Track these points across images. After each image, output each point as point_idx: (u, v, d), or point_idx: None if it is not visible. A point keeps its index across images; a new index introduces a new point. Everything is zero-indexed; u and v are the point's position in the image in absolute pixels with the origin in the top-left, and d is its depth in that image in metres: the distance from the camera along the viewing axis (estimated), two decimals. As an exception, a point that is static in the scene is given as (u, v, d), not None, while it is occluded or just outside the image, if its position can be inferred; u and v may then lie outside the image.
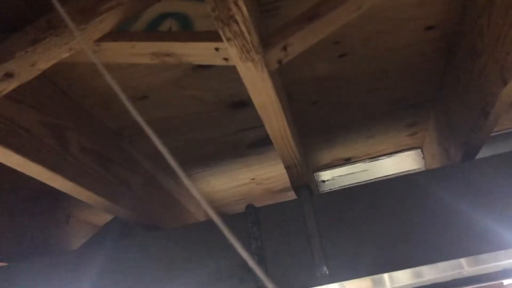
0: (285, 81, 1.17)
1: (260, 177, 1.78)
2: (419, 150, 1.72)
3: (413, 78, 1.31)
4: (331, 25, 0.83)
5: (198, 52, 0.82)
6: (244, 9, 0.66)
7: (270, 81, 0.83)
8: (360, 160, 1.75)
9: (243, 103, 1.27)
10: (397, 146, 1.71)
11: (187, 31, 0.93)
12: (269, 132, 1.01)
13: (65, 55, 0.77)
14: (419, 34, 1.13)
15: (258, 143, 1.50)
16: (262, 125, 1.18)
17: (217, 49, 0.79)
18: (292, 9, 0.98)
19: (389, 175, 1.73)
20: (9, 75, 0.75)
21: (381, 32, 1.09)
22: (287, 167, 1.16)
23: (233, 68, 0.82)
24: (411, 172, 1.71)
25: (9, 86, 0.78)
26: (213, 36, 0.78)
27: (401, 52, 1.18)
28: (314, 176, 1.77)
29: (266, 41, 0.79)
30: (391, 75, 1.27)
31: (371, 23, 1.06)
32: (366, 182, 1.71)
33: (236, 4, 0.65)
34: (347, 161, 1.77)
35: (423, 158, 1.73)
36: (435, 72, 1.29)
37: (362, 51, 1.15)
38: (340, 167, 1.77)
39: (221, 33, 0.71)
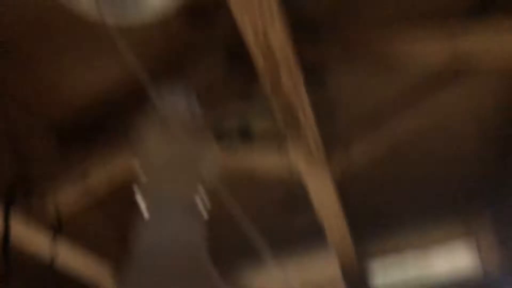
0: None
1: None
2: (473, 242, 1.65)
3: (469, 170, 1.29)
4: (392, 134, 0.86)
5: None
6: (312, 119, 0.71)
7: (333, 188, 0.86)
8: (413, 250, 1.69)
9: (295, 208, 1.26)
10: (451, 237, 1.65)
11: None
12: (327, 231, 0.99)
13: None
14: (471, 141, 1.16)
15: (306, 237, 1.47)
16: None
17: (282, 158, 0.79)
18: (345, 112, 0.98)
19: (442, 272, 1.65)
20: (84, 176, 0.81)
21: (435, 138, 1.11)
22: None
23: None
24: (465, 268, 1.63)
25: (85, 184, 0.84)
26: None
27: (453, 158, 1.20)
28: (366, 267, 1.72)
29: (330, 150, 0.83)
30: (446, 168, 1.26)
31: (424, 128, 1.05)
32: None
33: (307, 118, 0.70)
34: (399, 251, 1.72)
35: (477, 250, 1.65)
36: (485, 177, 1.30)
37: (414, 155, 1.15)
38: (392, 257, 1.71)
39: (291, 145, 0.75)
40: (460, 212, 1.50)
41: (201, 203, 0.30)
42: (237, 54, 0.83)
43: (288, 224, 1.33)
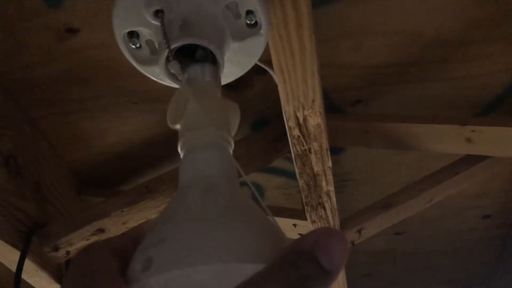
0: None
1: None
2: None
3: (468, 261, 1.31)
4: (403, 214, 0.86)
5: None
6: (334, 198, 0.69)
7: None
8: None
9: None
10: None
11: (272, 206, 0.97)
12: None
13: (154, 215, 0.81)
14: (476, 222, 1.17)
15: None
16: None
17: (295, 225, 0.81)
18: (358, 188, 1.02)
19: None
20: (100, 231, 0.78)
21: (441, 216, 1.12)
22: None
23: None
24: None
25: (100, 239, 0.82)
26: (293, 214, 0.81)
27: (458, 235, 1.22)
28: None
29: (343, 224, 0.81)
30: (445, 256, 1.28)
31: (431, 207, 1.08)
32: None
33: (328, 194, 0.68)
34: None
35: None
36: (489, 257, 1.29)
37: (419, 231, 1.18)
38: None
39: (308, 216, 0.75)
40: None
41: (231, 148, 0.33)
42: (262, 121, 0.87)
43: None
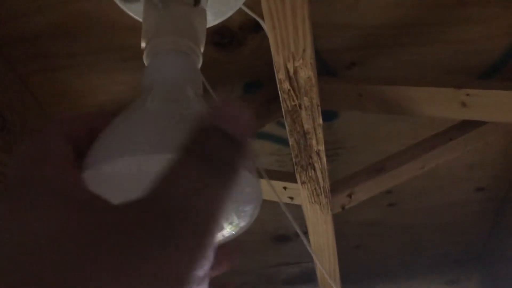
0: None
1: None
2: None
3: (459, 235, 1.31)
4: (396, 179, 0.85)
5: (265, 188, 0.83)
6: (324, 159, 0.68)
7: (331, 224, 0.84)
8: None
9: (287, 237, 1.26)
10: None
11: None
12: (319, 273, 0.99)
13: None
14: (469, 194, 1.16)
15: (293, 281, 1.46)
16: (300, 262, 1.15)
17: (285, 188, 0.80)
18: (350, 157, 1.01)
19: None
20: None
21: (433, 188, 1.11)
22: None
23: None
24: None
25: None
26: (283, 176, 0.80)
27: (450, 209, 1.21)
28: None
29: (333, 187, 0.80)
30: (436, 230, 1.28)
31: (424, 178, 1.07)
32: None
33: (318, 154, 0.67)
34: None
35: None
36: (481, 231, 1.30)
37: (411, 203, 1.17)
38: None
39: (297, 176, 0.73)
40: (447, 275, 1.50)
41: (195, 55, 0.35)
42: (254, 83, 0.86)
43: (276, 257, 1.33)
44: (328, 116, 0.93)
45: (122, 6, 0.46)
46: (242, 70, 0.84)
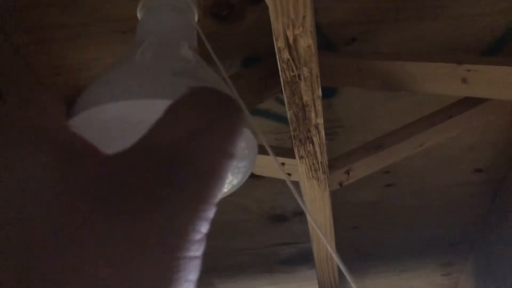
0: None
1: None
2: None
3: (455, 217, 1.31)
4: (394, 157, 0.84)
5: (263, 164, 0.83)
6: (322, 133, 0.68)
7: (329, 201, 0.83)
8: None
9: (284, 217, 1.25)
10: (430, 285, 1.65)
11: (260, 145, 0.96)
12: (315, 251, 0.99)
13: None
14: (467, 176, 1.16)
15: (290, 261, 1.46)
16: (297, 243, 1.15)
17: (283, 163, 0.79)
18: (349, 135, 1.00)
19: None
20: None
21: (431, 169, 1.11)
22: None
23: (281, 181, 0.81)
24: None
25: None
26: (281, 152, 0.79)
27: (447, 190, 1.20)
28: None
29: (331, 163, 0.80)
30: (433, 211, 1.28)
31: (422, 159, 1.07)
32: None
33: (317, 127, 0.66)
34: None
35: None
36: (478, 214, 1.30)
37: (409, 184, 1.18)
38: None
39: (295, 151, 0.72)
40: (442, 258, 1.50)
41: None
42: (254, 58, 0.85)
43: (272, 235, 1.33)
44: (327, 93, 0.93)
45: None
46: (241, 43, 0.83)
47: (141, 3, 0.33)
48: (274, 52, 0.61)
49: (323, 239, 0.87)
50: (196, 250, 0.17)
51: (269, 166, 0.84)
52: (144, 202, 0.17)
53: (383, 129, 0.98)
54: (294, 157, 0.78)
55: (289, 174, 0.84)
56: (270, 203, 1.21)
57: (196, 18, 0.36)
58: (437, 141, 0.86)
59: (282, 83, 0.64)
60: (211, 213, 0.19)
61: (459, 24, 0.80)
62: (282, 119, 0.99)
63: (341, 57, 0.80)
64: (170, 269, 0.17)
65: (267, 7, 0.56)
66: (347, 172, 0.83)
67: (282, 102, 0.93)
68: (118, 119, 0.24)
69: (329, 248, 0.88)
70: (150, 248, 0.16)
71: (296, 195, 0.67)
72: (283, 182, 0.88)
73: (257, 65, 0.85)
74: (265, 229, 1.31)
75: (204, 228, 0.18)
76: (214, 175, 0.18)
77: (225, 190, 0.31)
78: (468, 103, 0.82)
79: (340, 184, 0.85)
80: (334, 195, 1.14)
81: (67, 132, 0.20)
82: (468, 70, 0.73)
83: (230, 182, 0.30)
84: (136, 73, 0.26)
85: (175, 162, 0.18)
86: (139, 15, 0.33)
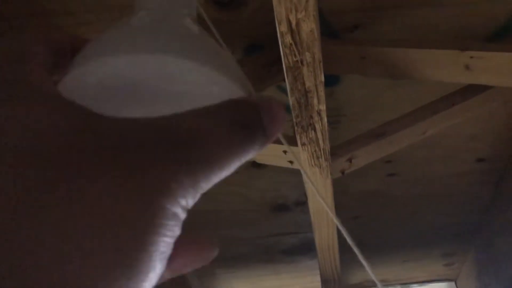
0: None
1: None
2: (453, 283, 1.65)
3: (458, 207, 1.30)
4: (396, 144, 0.84)
5: (265, 152, 0.83)
6: (325, 119, 0.67)
7: (331, 189, 0.84)
8: (391, 284, 1.69)
9: (286, 207, 1.26)
10: (431, 275, 1.65)
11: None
12: (317, 240, 1.00)
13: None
14: (469, 165, 1.16)
15: (292, 251, 1.46)
16: (299, 233, 1.15)
17: (284, 151, 0.79)
18: (351, 124, 1.01)
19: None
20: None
21: (433, 158, 1.11)
22: (325, 281, 1.12)
23: (283, 170, 0.81)
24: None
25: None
26: (284, 139, 0.78)
27: (449, 179, 1.20)
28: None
29: (333, 151, 0.80)
30: (435, 201, 1.27)
31: (425, 149, 1.07)
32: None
33: (319, 113, 0.66)
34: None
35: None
36: (481, 203, 1.30)
37: (411, 173, 1.17)
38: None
39: (298, 138, 0.72)
40: (444, 248, 1.50)
41: None
42: (256, 46, 0.84)
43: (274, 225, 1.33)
44: (330, 81, 0.92)
45: None
46: (244, 31, 0.82)
47: None
48: (277, 39, 0.61)
49: (322, 203, 0.87)
50: (175, 221, 0.18)
51: (271, 154, 0.84)
52: (139, 162, 0.17)
53: (386, 117, 0.98)
54: (296, 145, 0.78)
55: (291, 162, 0.84)
56: (272, 192, 1.21)
57: None
58: (440, 128, 0.85)
59: (284, 69, 0.64)
60: (197, 194, 0.19)
61: (463, 11, 0.79)
62: (285, 108, 0.99)
63: (343, 45, 0.80)
64: (150, 224, 0.17)
65: (269, -7, 0.55)
66: (349, 160, 0.83)
67: (284, 91, 0.93)
68: (113, 76, 0.23)
69: (330, 213, 0.89)
70: (135, 202, 0.17)
71: (311, 185, 0.67)
72: (285, 171, 0.89)
73: (260, 52, 0.85)
74: (267, 219, 1.31)
75: (187, 202, 0.19)
76: (215, 167, 0.20)
77: None
78: (471, 90, 0.82)
79: (342, 172, 0.85)
80: (336, 184, 1.14)
81: (51, 90, 0.20)
82: (471, 57, 0.73)
83: None
84: (134, 32, 0.25)
85: (186, 142, 0.19)
86: None
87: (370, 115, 1.00)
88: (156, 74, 0.23)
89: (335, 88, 0.95)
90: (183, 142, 0.19)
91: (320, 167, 0.79)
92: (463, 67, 0.74)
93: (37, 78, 0.20)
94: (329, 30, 0.82)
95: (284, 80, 0.68)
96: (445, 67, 0.75)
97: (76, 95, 0.21)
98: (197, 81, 0.24)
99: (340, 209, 1.25)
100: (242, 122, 0.21)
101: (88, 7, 0.76)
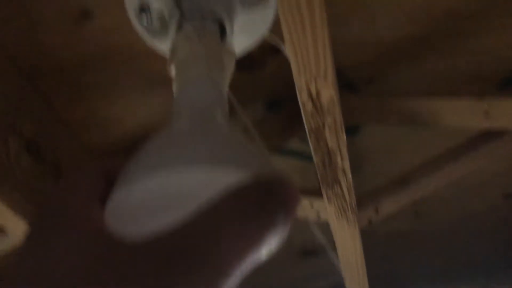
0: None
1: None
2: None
3: (487, 243, 1.29)
4: (421, 191, 0.85)
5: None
6: (349, 175, 0.69)
7: (359, 238, 0.84)
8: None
9: (314, 252, 1.26)
10: None
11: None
12: (348, 286, 0.99)
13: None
14: (496, 201, 1.15)
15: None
16: (327, 276, 1.15)
17: (311, 204, 0.81)
18: (374, 169, 1.03)
19: None
20: None
21: (460, 196, 1.11)
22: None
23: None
24: None
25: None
26: (309, 192, 0.81)
27: (477, 216, 1.19)
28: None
29: (359, 201, 0.81)
30: (463, 238, 1.26)
31: (450, 186, 1.07)
32: None
33: (343, 171, 0.67)
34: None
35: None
36: (509, 239, 1.26)
37: (437, 212, 1.17)
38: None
39: (323, 193, 0.73)
40: (477, 283, 1.47)
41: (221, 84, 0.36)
42: (276, 102, 0.87)
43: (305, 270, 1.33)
44: (350, 130, 0.94)
45: (151, 41, 0.49)
46: (264, 89, 0.86)
47: (177, 78, 0.35)
48: (296, 95, 0.63)
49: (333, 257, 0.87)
50: None
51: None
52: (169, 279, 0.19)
53: (408, 161, 0.99)
54: (322, 197, 0.79)
55: (318, 214, 0.85)
56: (300, 238, 1.21)
57: (227, 88, 0.38)
58: (463, 173, 0.86)
59: (307, 131, 0.67)
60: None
61: (474, 57, 0.81)
62: (307, 158, 1.00)
63: (361, 97, 0.82)
64: None
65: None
66: (376, 210, 0.84)
67: (306, 141, 0.95)
68: (159, 190, 0.24)
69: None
70: None
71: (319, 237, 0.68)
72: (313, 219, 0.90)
73: (280, 108, 0.88)
74: (296, 264, 1.31)
75: None
76: (233, 268, 0.20)
77: None
78: (492, 134, 0.83)
79: (369, 222, 0.86)
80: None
81: (99, 222, 0.22)
82: (490, 104, 0.74)
83: None
84: (173, 143, 0.27)
85: (203, 258, 0.20)
86: (174, 88, 0.35)
87: (392, 160, 1.02)
88: (191, 183, 0.25)
89: (355, 135, 0.97)
90: (200, 261, 0.20)
91: (347, 219, 0.81)
92: (482, 114, 0.76)
93: (85, 210, 0.23)
94: (346, 83, 0.85)
95: (305, 132, 0.70)
96: (464, 115, 0.77)
97: (121, 213, 0.23)
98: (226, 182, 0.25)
99: (367, 249, 1.25)
100: (257, 207, 0.21)
101: (116, 76, 0.80)
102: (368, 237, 1.20)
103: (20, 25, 0.69)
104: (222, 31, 0.43)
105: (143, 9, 0.48)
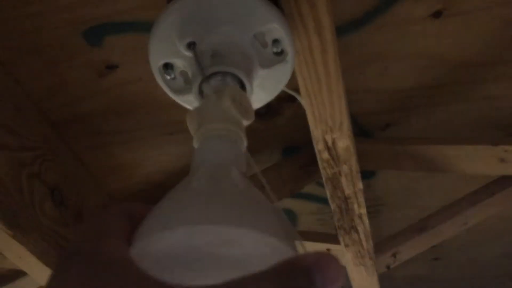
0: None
1: None
2: None
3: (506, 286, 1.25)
4: (439, 237, 0.85)
5: (308, 249, 0.84)
6: (367, 221, 0.69)
7: (377, 284, 0.84)
8: None
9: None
10: None
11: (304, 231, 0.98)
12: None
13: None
14: None
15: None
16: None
17: (328, 249, 0.81)
18: (390, 213, 1.01)
19: None
20: None
21: (478, 240, 1.10)
22: None
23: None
24: None
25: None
26: (326, 238, 0.81)
27: (495, 261, 1.17)
28: None
29: (377, 247, 0.81)
30: (482, 283, 1.24)
31: (469, 230, 1.06)
32: None
33: (360, 217, 0.68)
34: None
35: None
36: None
37: (457, 256, 1.16)
38: None
39: (341, 239, 0.74)
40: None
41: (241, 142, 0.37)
42: (292, 148, 0.89)
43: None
44: (366, 173, 0.95)
45: (175, 97, 0.51)
46: (280, 136, 0.87)
47: (198, 134, 0.37)
48: (312, 141, 0.65)
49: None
50: None
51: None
52: None
53: (425, 205, 0.99)
54: (339, 243, 0.80)
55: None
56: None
57: (245, 146, 0.39)
58: (480, 219, 0.86)
59: (323, 179, 0.68)
60: None
61: (488, 104, 0.82)
62: (323, 200, 1.01)
63: (376, 143, 0.84)
64: None
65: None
66: (394, 255, 0.84)
67: (322, 185, 0.96)
68: (179, 245, 0.25)
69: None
70: None
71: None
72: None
73: (297, 153, 0.89)
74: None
75: None
76: None
77: None
78: (509, 179, 0.83)
79: (388, 267, 0.85)
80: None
81: (128, 263, 0.23)
82: (506, 151, 0.75)
83: None
84: (194, 199, 0.28)
85: None
86: (195, 144, 0.37)
87: (408, 203, 1.02)
88: (213, 241, 0.25)
89: (371, 179, 0.97)
90: None
91: (365, 266, 0.80)
92: (498, 160, 0.76)
93: (115, 251, 0.23)
94: (361, 131, 0.87)
95: (321, 177, 0.71)
96: (480, 161, 0.77)
97: (146, 261, 0.24)
98: (250, 244, 0.26)
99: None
100: None
101: (137, 124, 0.83)
102: (386, 280, 1.19)
103: (48, 81, 0.73)
104: (242, 87, 0.45)
105: (167, 65, 0.50)
